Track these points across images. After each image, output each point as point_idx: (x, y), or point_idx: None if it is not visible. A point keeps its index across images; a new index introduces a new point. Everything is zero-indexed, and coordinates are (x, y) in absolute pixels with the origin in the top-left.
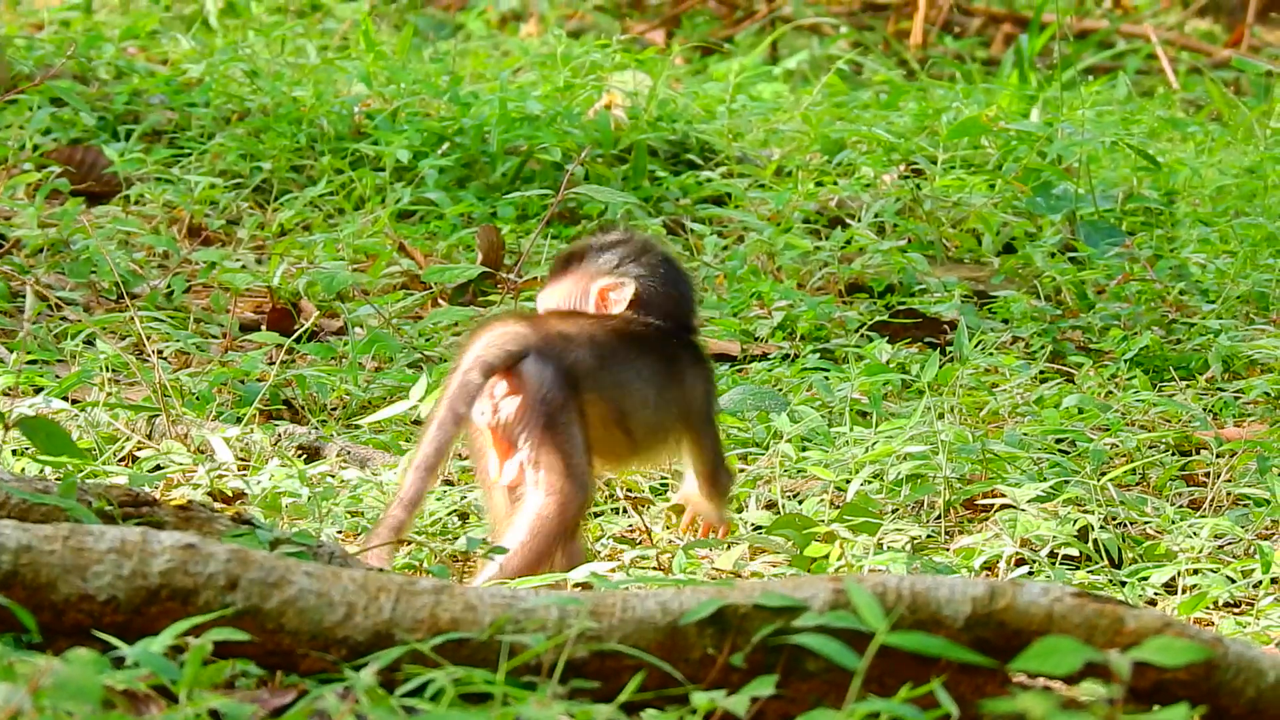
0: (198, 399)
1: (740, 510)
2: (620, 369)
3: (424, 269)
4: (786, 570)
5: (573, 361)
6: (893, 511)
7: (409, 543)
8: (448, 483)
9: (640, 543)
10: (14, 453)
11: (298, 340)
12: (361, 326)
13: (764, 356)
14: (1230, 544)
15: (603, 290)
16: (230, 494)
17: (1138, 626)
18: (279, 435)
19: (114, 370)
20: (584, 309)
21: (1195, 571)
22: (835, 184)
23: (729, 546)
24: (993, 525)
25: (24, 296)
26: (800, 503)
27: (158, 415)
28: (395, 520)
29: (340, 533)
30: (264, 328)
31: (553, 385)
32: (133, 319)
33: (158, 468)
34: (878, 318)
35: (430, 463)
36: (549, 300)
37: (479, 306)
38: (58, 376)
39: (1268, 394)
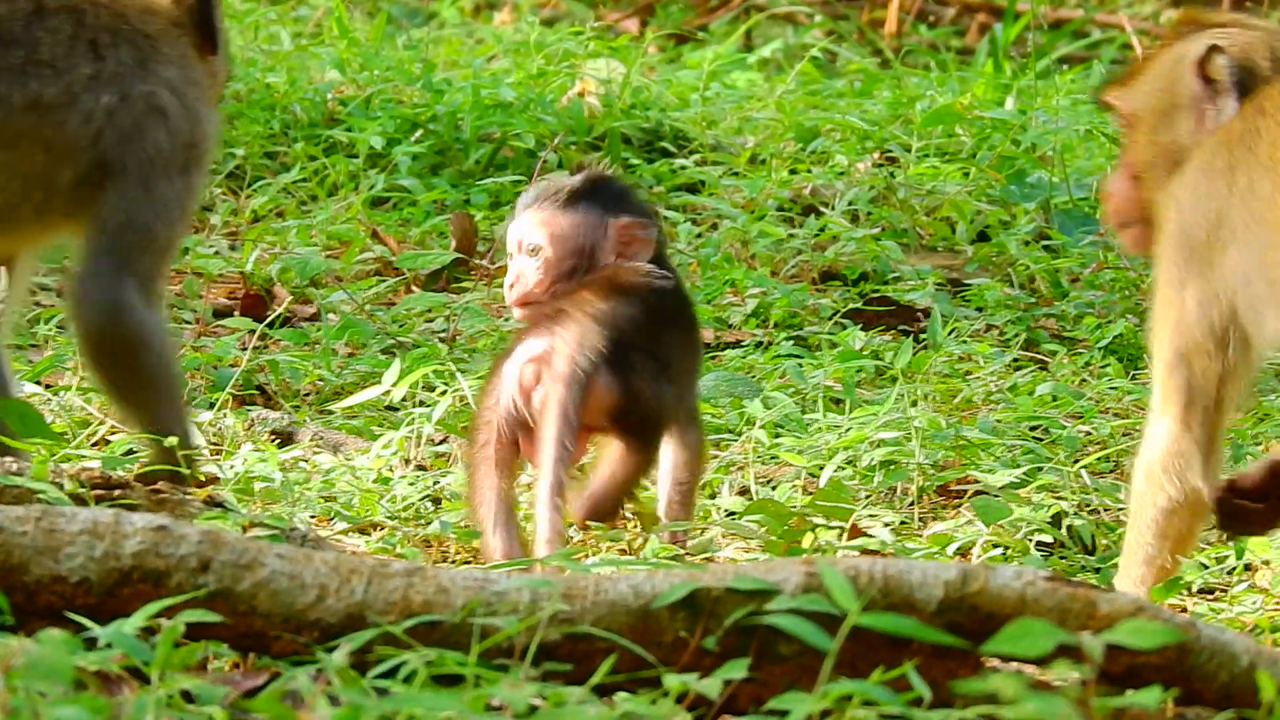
0: None
1: (713, 496)
2: (662, 367)
3: (397, 255)
4: (760, 556)
5: (636, 369)
6: (866, 498)
7: (382, 526)
8: (420, 468)
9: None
10: None
11: (271, 326)
12: (335, 312)
13: (738, 344)
14: (1204, 530)
15: (624, 228)
16: (203, 478)
17: (1111, 610)
18: (252, 420)
19: None
20: (599, 248)
21: None
22: (809, 172)
23: (702, 531)
24: (966, 511)
25: None
26: (773, 489)
27: None
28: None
29: (313, 517)
30: (237, 313)
31: (620, 395)
32: None
33: (130, 451)
34: (851, 305)
35: (560, 487)
36: (550, 229)
37: (452, 293)
38: (31, 361)
39: None
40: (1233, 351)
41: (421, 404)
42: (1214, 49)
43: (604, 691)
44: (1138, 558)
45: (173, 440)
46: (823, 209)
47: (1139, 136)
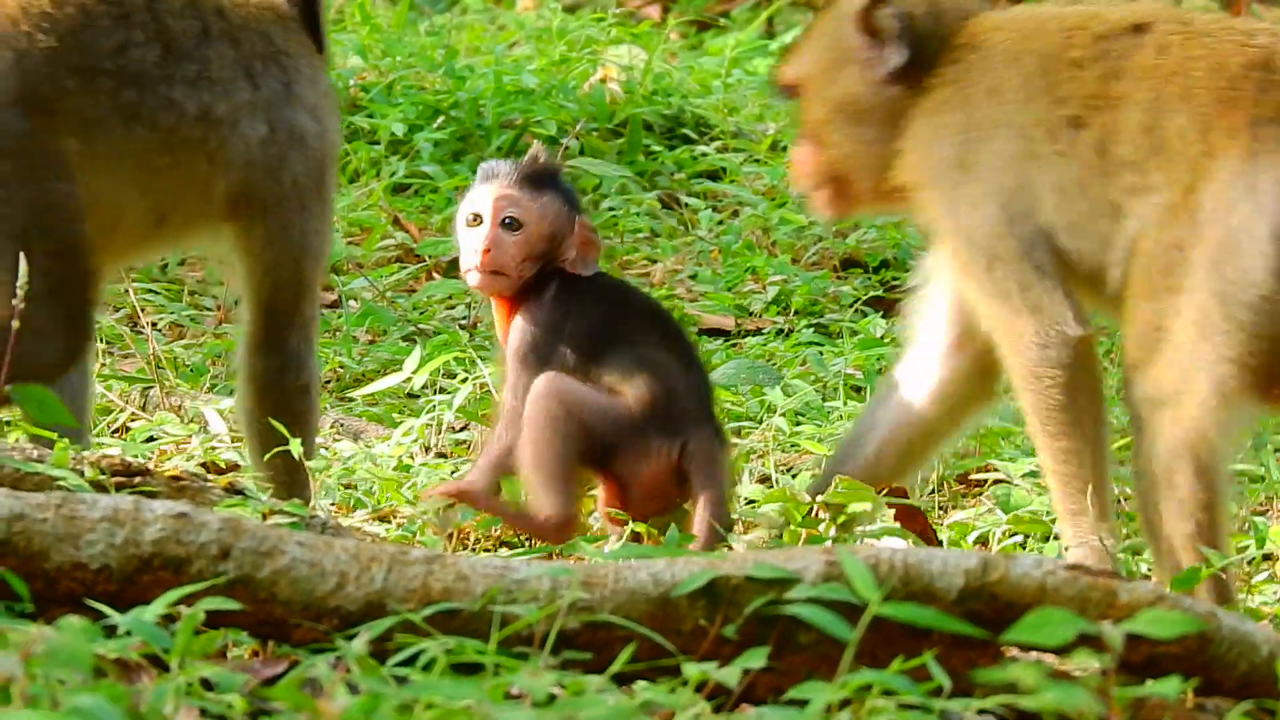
0: (191, 371)
1: (734, 484)
2: None
3: (418, 242)
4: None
5: None
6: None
7: (402, 513)
8: (441, 455)
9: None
10: (7, 423)
11: None
12: (355, 299)
13: (758, 331)
14: None
15: (586, 227)
16: (223, 465)
17: (1131, 600)
18: None
19: (108, 342)
20: (566, 240)
21: None
22: None
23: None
24: (986, 500)
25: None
26: (794, 476)
27: (152, 387)
28: None
29: (333, 504)
30: None
31: None
32: (127, 291)
33: (151, 439)
34: (872, 293)
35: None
36: (534, 208)
37: None
38: None
39: None
40: (1027, 224)
41: (442, 391)
42: (877, 1)
43: (623, 680)
44: (1062, 465)
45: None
46: None
47: (811, 100)
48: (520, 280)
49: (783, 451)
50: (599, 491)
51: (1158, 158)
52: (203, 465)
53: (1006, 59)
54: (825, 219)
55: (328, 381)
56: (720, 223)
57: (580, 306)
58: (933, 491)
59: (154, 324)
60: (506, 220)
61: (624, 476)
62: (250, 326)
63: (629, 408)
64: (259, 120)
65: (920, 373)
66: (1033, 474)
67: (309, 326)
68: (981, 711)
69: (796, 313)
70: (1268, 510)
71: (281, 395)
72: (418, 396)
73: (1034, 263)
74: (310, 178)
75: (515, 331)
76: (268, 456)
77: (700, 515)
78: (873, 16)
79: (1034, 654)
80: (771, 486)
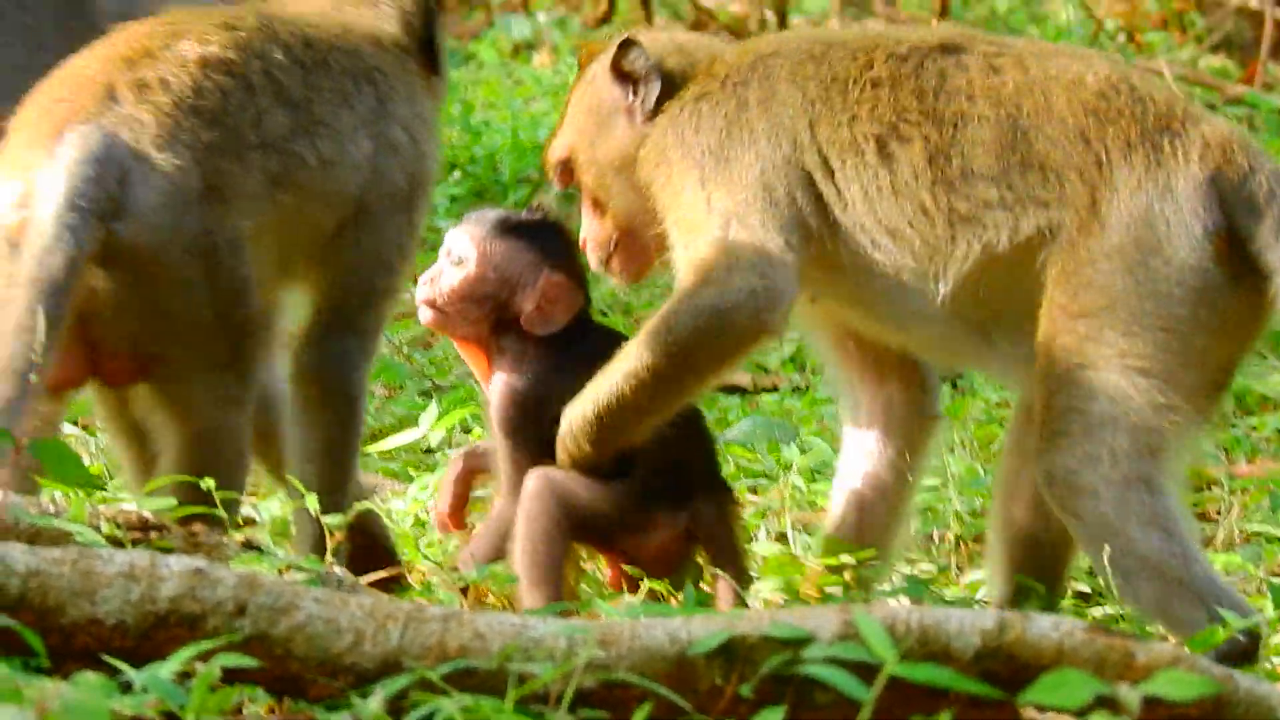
0: None
1: (750, 541)
2: None
3: None
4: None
5: None
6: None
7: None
8: None
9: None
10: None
11: None
12: None
13: (774, 388)
14: (1241, 581)
15: (556, 285)
16: (240, 521)
17: (1148, 660)
18: None
19: None
20: (521, 290)
21: None
22: None
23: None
24: None
25: None
26: (810, 534)
27: None
28: None
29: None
30: None
31: None
32: None
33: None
34: None
35: None
36: (482, 247)
37: None
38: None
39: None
40: (804, 206)
41: (459, 447)
42: (625, 44)
43: None
44: (632, 386)
45: (314, 501)
46: None
47: (584, 168)
48: (464, 322)
49: (799, 509)
50: (605, 567)
51: (1032, 173)
52: (219, 520)
53: (786, 78)
54: (626, 283)
55: None
56: None
57: (570, 370)
58: (950, 551)
59: None
60: (457, 259)
61: (630, 552)
62: (306, 326)
63: (630, 489)
64: (363, 140)
65: (861, 420)
66: None
67: (367, 339)
68: None
69: (813, 370)
70: None
71: (324, 391)
72: (434, 452)
73: (781, 236)
74: (400, 189)
75: (497, 396)
76: (287, 511)
77: (721, 585)
78: (622, 61)
79: (1051, 715)
80: (788, 544)
